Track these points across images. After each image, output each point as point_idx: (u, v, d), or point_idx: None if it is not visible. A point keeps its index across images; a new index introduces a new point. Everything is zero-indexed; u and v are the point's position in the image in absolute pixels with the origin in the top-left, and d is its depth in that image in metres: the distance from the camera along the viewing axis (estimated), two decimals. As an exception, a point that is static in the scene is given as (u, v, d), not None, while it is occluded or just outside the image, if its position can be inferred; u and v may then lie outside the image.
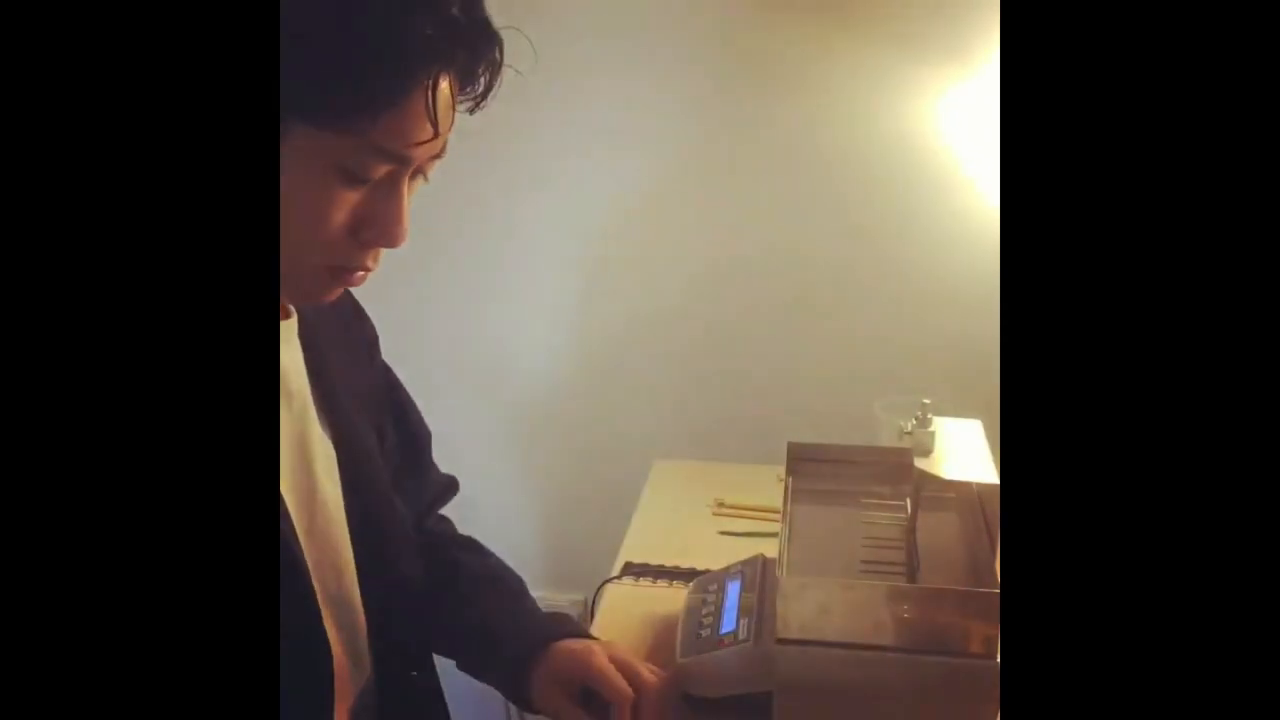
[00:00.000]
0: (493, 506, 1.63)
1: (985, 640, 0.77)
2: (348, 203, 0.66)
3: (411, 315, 1.55)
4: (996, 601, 0.75)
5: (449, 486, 1.03)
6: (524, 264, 1.55)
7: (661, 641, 0.93)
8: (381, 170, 0.66)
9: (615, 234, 1.51)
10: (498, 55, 0.68)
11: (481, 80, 0.68)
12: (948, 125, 1.37)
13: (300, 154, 0.63)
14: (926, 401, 0.89)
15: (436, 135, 0.66)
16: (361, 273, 0.70)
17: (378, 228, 0.68)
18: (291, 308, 0.81)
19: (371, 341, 0.94)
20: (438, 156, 0.69)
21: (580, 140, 1.47)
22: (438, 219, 0.75)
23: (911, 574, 0.88)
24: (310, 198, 0.65)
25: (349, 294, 0.88)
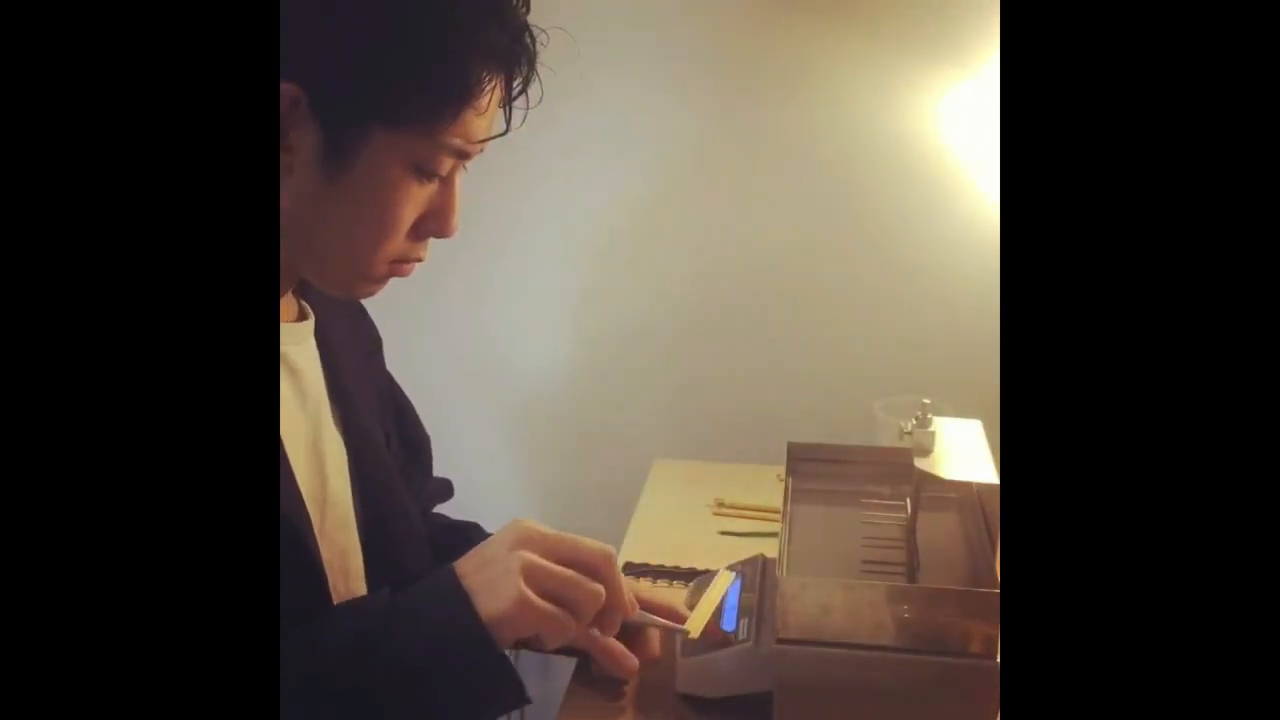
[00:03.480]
0: (492, 507, 1.63)
1: (985, 640, 0.77)
2: (418, 199, 0.71)
3: (411, 315, 1.55)
4: (996, 601, 0.75)
5: (445, 490, 1.04)
6: (524, 263, 1.55)
7: (661, 641, 0.93)
8: (449, 166, 0.71)
9: (615, 233, 1.51)
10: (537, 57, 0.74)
11: (523, 80, 0.74)
12: (948, 125, 1.37)
13: (379, 157, 0.68)
14: (926, 401, 0.89)
15: (507, 131, 0.73)
16: (413, 263, 0.75)
17: (438, 220, 0.73)
18: (309, 308, 0.81)
19: (376, 343, 0.95)
20: (480, 152, 0.74)
21: (580, 140, 1.47)
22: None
23: (911, 574, 0.87)
24: (388, 197, 0.70)
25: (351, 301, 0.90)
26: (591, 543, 0.72)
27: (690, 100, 1.44)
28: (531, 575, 0.68)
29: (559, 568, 0.69)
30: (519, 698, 0.68)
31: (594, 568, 0.70)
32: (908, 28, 1.35)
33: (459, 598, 0.67)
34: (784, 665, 0.79)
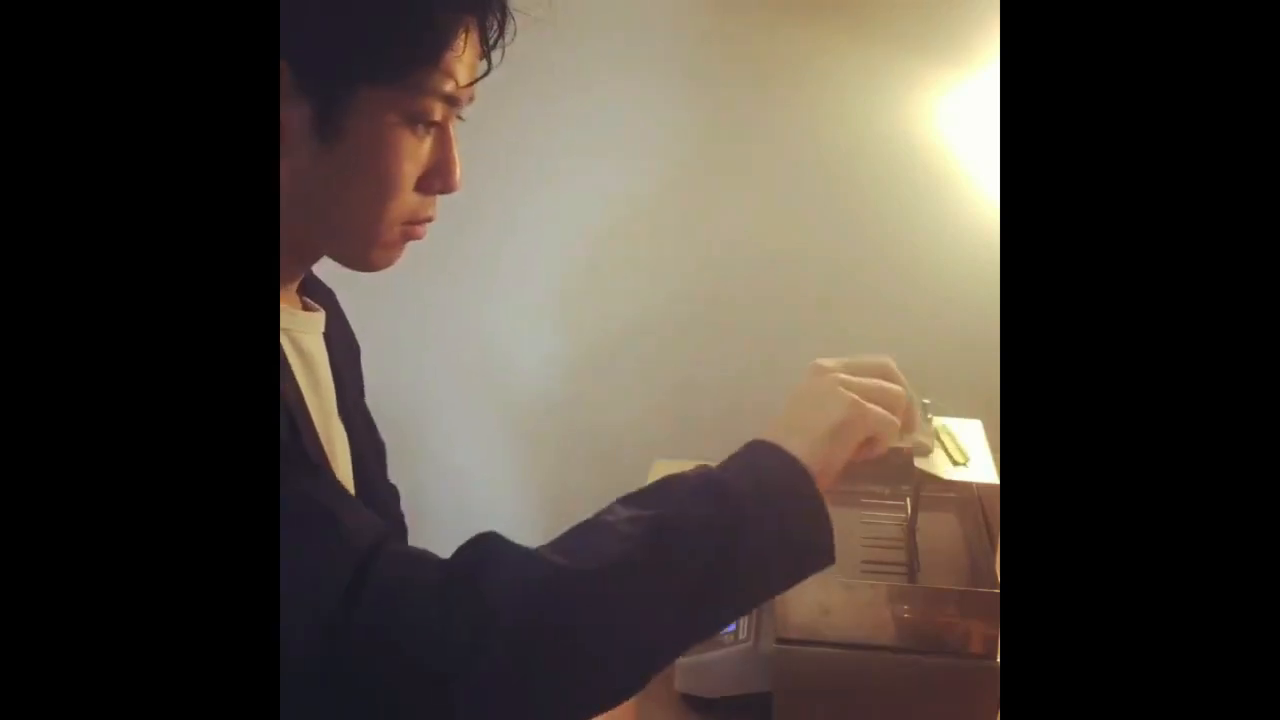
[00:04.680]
0: (492, 507, 1.63)
1: (985, 640, 0.77)
2: (414, 154, 0.71)
3: (410, 316, 1.55)
4: (996, 601, 0.76)
5: (396, 494, 1.04)
6: (523, 263, 1.55)
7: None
8: (440, 112, 0.71)
9: (615, 234, 1.51)
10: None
11: (497, 23, 0.73)
12: (948, 125, 1.37)
13: (368, 117, 0.68)
14: (926, 401, 0.89)
15: (489, 70, 0.73)
16: (425, 224, 0.75)
17: (441, 174, 0.73)
18: (317, 304, 0.81)
19: (358, 350, 0.95)
20: (470, 100, 0.74)
21: (579, 139, 1.47)
22: (436, 218, 0.76)
23: (911, 574, 0.87)
24: (386, 154, 0.70)
25: (337, 305, 0.90)
26: (872, 355, 0.78)
27: (690, 101, 1.44)
28: (850, 387, 0.73)
29: (866, 379, 0.74)
30: (830, 556, 0.71)
31: (888, 374, 0.76)
32: (908, 27, 1.35)
33: (781, 454, 0.73)
34: (784, 665, 0.79)
